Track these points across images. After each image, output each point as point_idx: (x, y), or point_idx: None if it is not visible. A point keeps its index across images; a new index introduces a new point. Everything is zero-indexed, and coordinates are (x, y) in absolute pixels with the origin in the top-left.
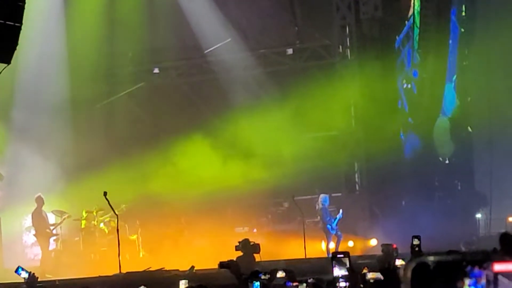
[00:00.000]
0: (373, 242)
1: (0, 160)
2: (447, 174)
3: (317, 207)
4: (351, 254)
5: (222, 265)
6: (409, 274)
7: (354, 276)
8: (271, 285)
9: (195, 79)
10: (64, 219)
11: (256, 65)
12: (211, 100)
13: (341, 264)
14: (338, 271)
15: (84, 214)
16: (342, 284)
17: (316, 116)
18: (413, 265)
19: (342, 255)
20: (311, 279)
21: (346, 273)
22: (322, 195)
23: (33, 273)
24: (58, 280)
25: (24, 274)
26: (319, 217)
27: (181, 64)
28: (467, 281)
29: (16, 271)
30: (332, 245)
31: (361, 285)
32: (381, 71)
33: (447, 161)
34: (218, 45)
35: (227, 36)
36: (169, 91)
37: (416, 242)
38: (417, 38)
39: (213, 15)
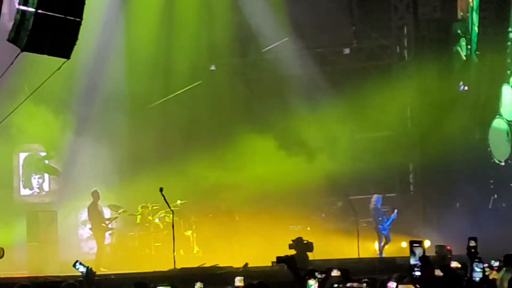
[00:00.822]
0: (427, 243)
1: (57, 155)
2: (503, 176)
3: (370, 207)
4: (404, 255)
5: (279, 259)
6: (505, 285)
7: (428, 267)
8: (327, 284)
9: (251, 77)
10: (119, 213)
11: (312, 64)
12: (266, 98)
13: (415, 253)
14: (413, 261)
15: (140, 209)
16: (417, 273)
17: (372, 116)
18: (509, 276)
19: (417, 244)
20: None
21: (419, 262)
22: (375, 196)
23: (91, 268)
24: (114, 274)
25: (82, 268)
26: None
27: (237, 62)
28: None
29: (74, 265)
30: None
31: None
32: (438, 72)
33: (503, 163)
34: (276, 43)
35: (285, 34)
36: (225, 88)
37: (472, 244)
38: (475, 39)
39: (271, 13)
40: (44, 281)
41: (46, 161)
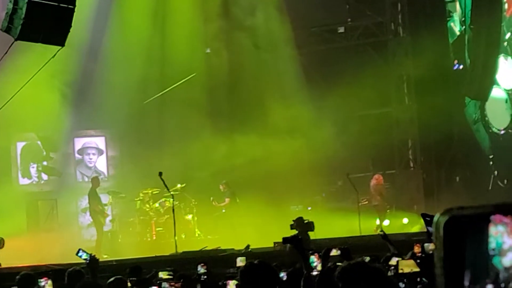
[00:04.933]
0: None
1: (55, 149)
2: (503, 147)
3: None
4: (406, 231)
5: (286, 240)
6: (441, 232)
7: None
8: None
9: (246, 58)
10: (116, 199)
11: (307, 43)
12: (262, 79)
13: (431, 223)
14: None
15: (140, 195)
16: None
17: (369, 93)
18: (444, 219)
19: (429, 218)
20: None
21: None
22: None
23: (94, 255)
24: (115, 260)
25: (85, 256)
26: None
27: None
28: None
29: (77, 253)
30: (386, 222)
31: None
32: (434, 47)
33: (502, 132)
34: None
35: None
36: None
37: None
38: (469, 13)
39: None
40: (46, 269)
41: (45, 163)
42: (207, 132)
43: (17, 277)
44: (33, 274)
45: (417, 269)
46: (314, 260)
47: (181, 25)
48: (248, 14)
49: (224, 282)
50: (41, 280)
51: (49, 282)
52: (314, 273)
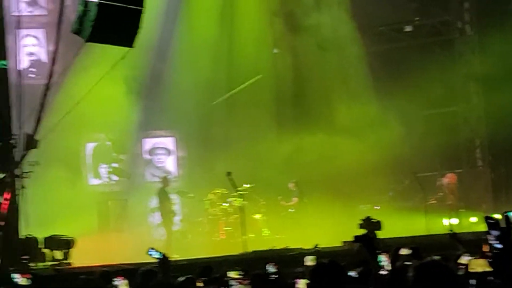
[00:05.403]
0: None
1: (124, 152)
2: None
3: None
4: (474, 230)
5: (357, 238)
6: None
7: (507, 239)
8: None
9: (313, 58)
10: (185, 199)
11: (373, 42)
12: (329, 79)
13: (494, 226)
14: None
15: (208, 195)
16: (498, 245)
17: (436, 92)
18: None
19: (492, 220)
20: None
21: (499, 233)
22: None
23: (165, 254)
24: (185, 260)
25: (157, 255)
26: None
27: (299, 44)
28: None
29: (149, 252)
30: (455, 221)
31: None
32: (502, 45)
33: None
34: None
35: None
36: (288, 72)
37: None
38: None
39: None
40: (117, 269)
41: (115, 165)
42: (274, 132)
43: (87, 277)
44: (110, 272)
45: (490, 269)
46: (383, 259)
47: (248, 26)
48: (314, 14)
49: (294, 281)
50: (116, 279)
51: (125, 281)
52: (383, 272)
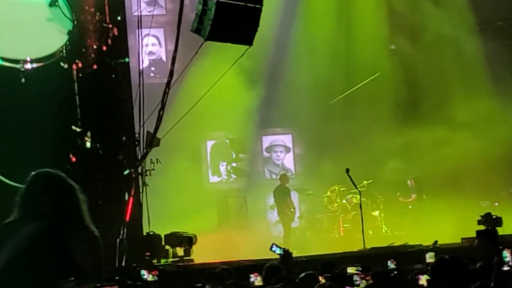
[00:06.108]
0: None
1: (245, 144)
2: None
3: None
4: None
5: (479, 233)
6: None
7: None
8: None
9: (431, 55)
10: (304, 196)
11: (490, 37)
12: (447, 75)
13: None
14: None
15: (327, 192)
16: None
17: None
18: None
19: None
20: None
21: None
22: None
23: (288, 249)
24: (304, 256)
25: (279, 251)
26: None
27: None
28: None
29: (271, 248)
30: None
31: None
32: None
33: None
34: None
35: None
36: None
37: None
38: None
39: None
40: (237, 265)
41: (234, 164)
42: (392, 129)
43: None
44: (231, 269)
45: None
46: (507, 255)
47: (364, 22)
48: (431, 10)
49: (415, 277)
50: (252, 275)
51: (259, 278)
52: (505, 268)
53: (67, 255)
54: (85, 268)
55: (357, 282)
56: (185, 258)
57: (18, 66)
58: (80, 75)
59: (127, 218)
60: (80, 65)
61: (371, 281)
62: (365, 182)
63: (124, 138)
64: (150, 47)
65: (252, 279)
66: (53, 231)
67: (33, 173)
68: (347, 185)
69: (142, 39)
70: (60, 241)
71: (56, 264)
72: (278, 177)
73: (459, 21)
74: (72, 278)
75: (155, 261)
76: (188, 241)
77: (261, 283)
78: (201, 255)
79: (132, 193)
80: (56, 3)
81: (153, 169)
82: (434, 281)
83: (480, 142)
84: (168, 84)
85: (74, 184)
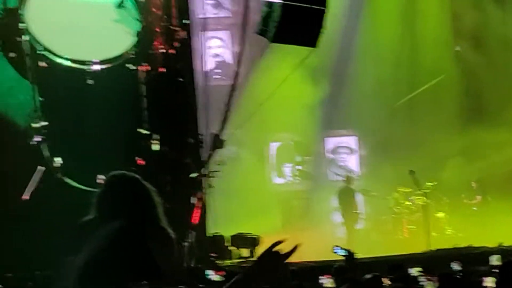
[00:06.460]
0: None
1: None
2: None
3: None
4: None
5: None
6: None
7: None
8: None
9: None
10: (368, 197)
11: None
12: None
13: None
14: None
15: (392, 193)
16: None
17: None
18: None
19: None
20: None
21: None
22: None
23: (352, 250)
24: (368, 258)
25: (342, 252)
26: None
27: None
28: None
29: (334, 250)
30: None
31: None
32: None
33: None
34: None
35: None
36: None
37: None
38: None
39: None
40: (303, 267)
41: (299, 167)
42: (456, 131)
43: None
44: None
45: None
46: None
47: (429, 24)
48: (497, 11)
49: (480, 280)
50: (322, 277)
51: (331, 280)
52: None
53: (145, 256)
54: (161, 269)
55: (423, 283)
56: (250, 259)
57: (85, 67)
58: (148, 77)
59: (196, 221)
60: (147, 67)
61: (437, 284)
62: (429, 184)
63: (192, 140)
64: (215, 49)
65: (321, 281)
66: (131, 231)
67: (108, 175)
68: (411, 187)
69: (206, 42)
70: (138, 241)
71: (135, 265)
72: (343, 178)
73: None
74: (148, 280)
75: (220, 262)
76: (252, 242)
77: (333, 285)
78: None
79: (199, 196)
80: (123, 5)
81: (218, 171)
82: (502, 283)
83: None
84: (233, 86)
85: (150, 186)
